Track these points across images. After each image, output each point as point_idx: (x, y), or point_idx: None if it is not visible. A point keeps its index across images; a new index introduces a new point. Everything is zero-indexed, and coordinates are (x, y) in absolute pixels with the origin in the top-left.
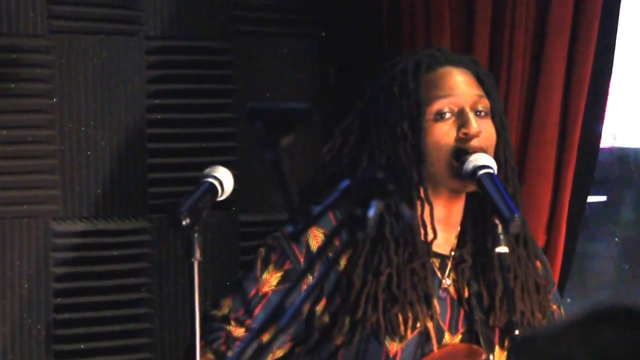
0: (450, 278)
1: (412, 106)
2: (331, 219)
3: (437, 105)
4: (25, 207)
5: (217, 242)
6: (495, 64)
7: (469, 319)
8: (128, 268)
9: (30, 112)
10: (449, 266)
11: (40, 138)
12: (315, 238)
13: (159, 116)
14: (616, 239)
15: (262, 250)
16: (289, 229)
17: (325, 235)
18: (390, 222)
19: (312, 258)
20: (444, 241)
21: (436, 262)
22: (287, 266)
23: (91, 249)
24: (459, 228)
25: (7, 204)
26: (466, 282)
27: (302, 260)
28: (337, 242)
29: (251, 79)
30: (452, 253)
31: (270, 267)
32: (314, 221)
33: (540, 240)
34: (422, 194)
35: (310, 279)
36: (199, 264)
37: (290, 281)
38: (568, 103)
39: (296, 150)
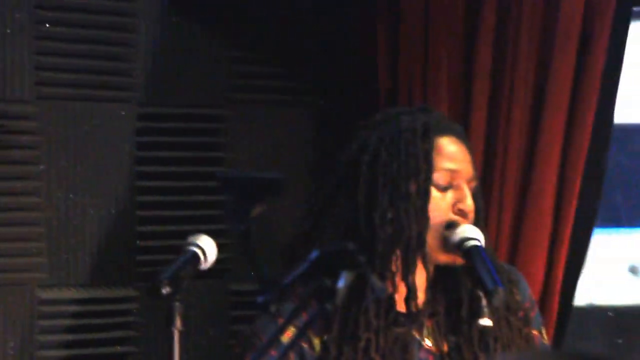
0: (430, 337)
1: (421, 168)
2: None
3: (442, 175)
4: (11, 274)
5: (207, 311)
6: (492, 133)
7: None
8: (115, 336)
9: (17, 179)
10: (425, 323)
11: (26, 205)
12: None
13: (149, 184)
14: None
15: (236, 350)
16: (259, 299)
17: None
18: (371, 284)
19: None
20: None
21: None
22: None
23: (77, 317)
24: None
25: None
26: (443, 336)
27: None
28: (304, 315)
29: (246, 148)
30: (425, 308)
31: None
32: (283, 291)
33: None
34: (419, 260)
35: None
36: (182, 333)
37: None
38: (565, 175)
39: (291, 219)
